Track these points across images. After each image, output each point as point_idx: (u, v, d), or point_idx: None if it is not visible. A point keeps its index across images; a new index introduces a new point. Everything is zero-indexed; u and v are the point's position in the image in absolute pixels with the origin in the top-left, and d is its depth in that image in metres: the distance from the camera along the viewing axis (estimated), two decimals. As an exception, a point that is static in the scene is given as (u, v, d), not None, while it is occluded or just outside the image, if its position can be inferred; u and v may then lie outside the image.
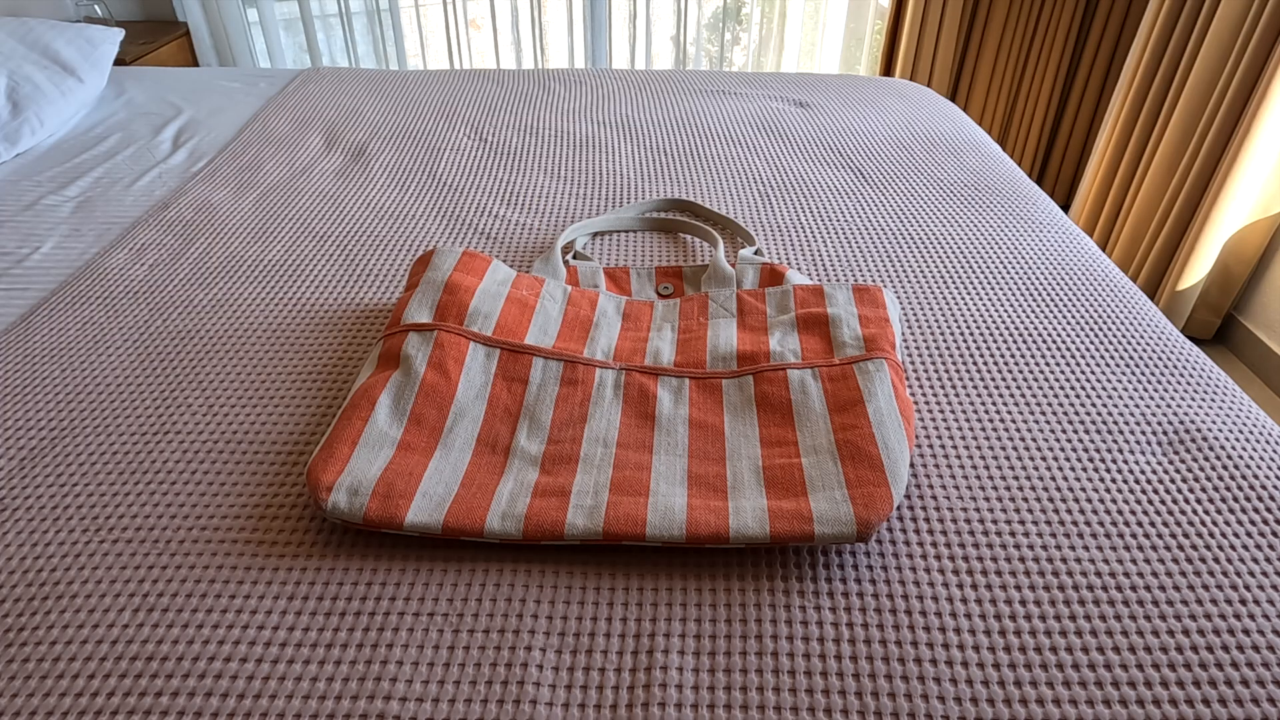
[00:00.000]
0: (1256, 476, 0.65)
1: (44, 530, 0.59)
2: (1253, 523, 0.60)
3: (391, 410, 0.65)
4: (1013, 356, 0.79)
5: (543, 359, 0.70)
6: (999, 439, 0.68)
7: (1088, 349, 0.80)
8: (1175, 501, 0.62)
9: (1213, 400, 0.73)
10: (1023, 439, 0.68)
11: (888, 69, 2.36)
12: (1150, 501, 0.62)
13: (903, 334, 0.82)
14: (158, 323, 0.83)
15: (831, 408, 0.66)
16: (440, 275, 0.78)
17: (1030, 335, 0.82)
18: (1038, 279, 0.92)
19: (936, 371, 0.77)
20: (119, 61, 1.91)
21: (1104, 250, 1.94)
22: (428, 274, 0.79)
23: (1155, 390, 0.74)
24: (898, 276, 0.93)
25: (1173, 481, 0.64)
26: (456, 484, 0.60)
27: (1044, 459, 0.66)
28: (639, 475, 0.61)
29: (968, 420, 0.70)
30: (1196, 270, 1.67)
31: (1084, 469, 0.65)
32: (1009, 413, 0.71)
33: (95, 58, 1.43)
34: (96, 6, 1.89)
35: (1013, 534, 0.59)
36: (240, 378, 0.75)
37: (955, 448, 0.67)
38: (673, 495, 0.59)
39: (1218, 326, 1.79)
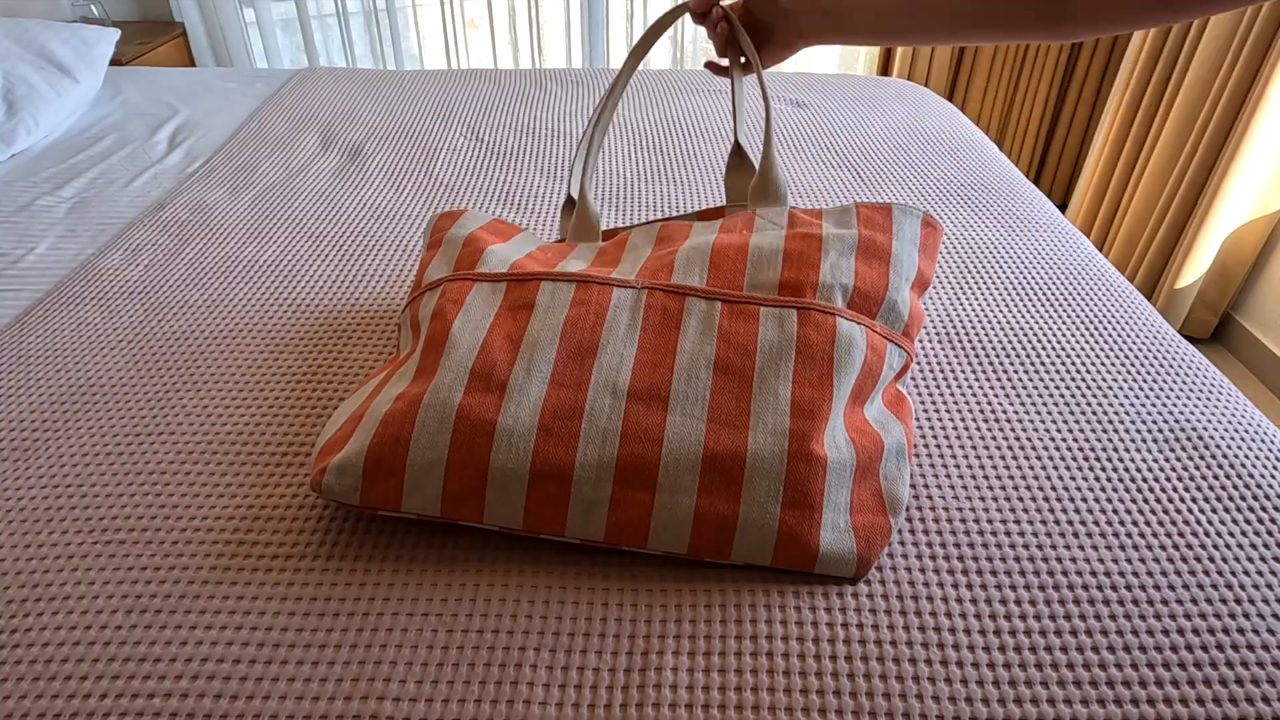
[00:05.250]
0: (1252, 476, 0.64)
1: (38, 531, 0.59)
2: (1248, 522, 0.60)
3: (398, 379, 0.59)
4: (1009, 356, 0.79)
5: (552, 282, 0.61)
6: (994, 438, 0.68)
7: (1084, 348, 0.80)
8: (1171, 501, 0.62)
9: (1209, 399, 0.73)
10: (1018, 438, 0.68)
11: (885, 68, 2.36)
12: (1146, 501, 0.62)
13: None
14: (153, 323, 0.82)
15: (854, 392, 0.59)
16: (463, 231, 0.70)
17: (1026, 335, 0.82)
18: (1034, 279, 0.92)
19: (933, 370, 0.77)
20: (115, 62, 1.90)
21: (1101, 250, 1.94)
22: (452, 230, 0.71)
23: (1151, 390, 0.74)
24: (894, 276, 0.92)
25: (1169, 480, 0.64)
26: (446, 446, 0.54)
27: (1039, 458, 0.66)
28: (647, 454, 0.54)
29: (964, 419, 0.70)
30: (1194, 269, 1.67)
31: (1080, 468, 0.65)
32: (1004, 412, 0.71)
33: (91, 58, 1.43)
34: (92, 6, 1.89)
35: (1008, 533, 0.59)
36: (235, 378, 0.75)
37: (951, 447, 0.67)
38: (680, 497, 0.53)
39: (1215, 326, 1.79)
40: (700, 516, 0.53)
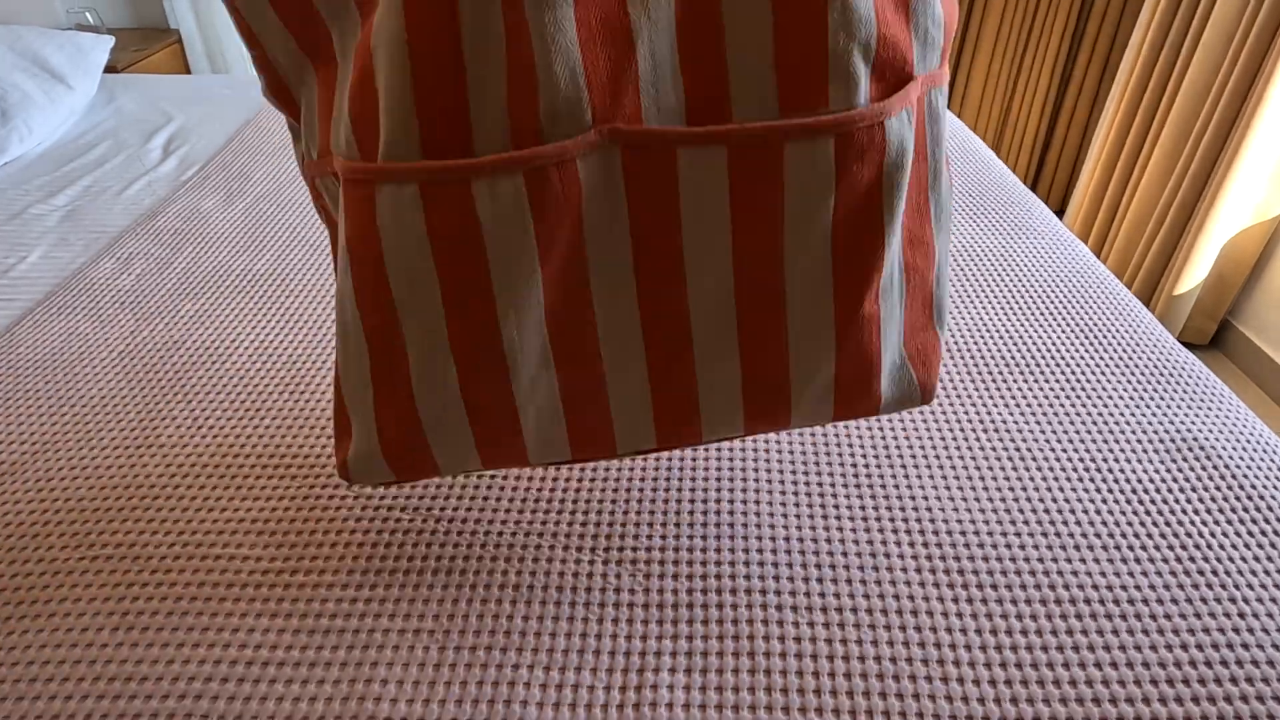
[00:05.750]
0: (1254, 485, 0.64)
1: (24, 547, 0.58)
2: (1250, 533, 0.60)
3: (350, 330, 0.45)
4: (1008, 366, 0.78)
5: (488, 180, 0.40)
6: (994, 449, 0.67)
7: (1083, 357, 0.79)
8: (1172, 511, 0.61)
9: (1208, 407, 0.72)
10: (1018, 448, 0.67)
11: (882, 74, 2.36)
12: (1147, 511, 0.61)
13: None
14: (144, 333, 0.82)
15: (911, 196, 0.47)
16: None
17: (1026, 344, 0.81)
18: (1033, 287, 0.91)
19: (931, 380, 0.76)
20: (111, 69, 1.90)
21: (1100, 255, 1.94)
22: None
23: (1151, 397, 0.74)
24: (892, 284, 0.92)
25: (1169, 490, 0.63)
26: (465, 423, 0.46)
27: (1039, 468, 0.65)
28: (680, 364, 0.46)
29: (964, 430, 0.70)
30: (1192, 276, 1.67)
31: (1080, 479, 0.64)
32: (1004, 422, 0.70)
33: (85, 65, 1.42)
34: (88, 14, 1.88)
35: (1008, 546, 0.58)
36: (226, 390, 0.74)
37: (951, 458, 0.66)
38: (726, 401, 0.47)
39: (1214, 332, 1.79)
40: (749, 400, 0.48)
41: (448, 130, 0.40)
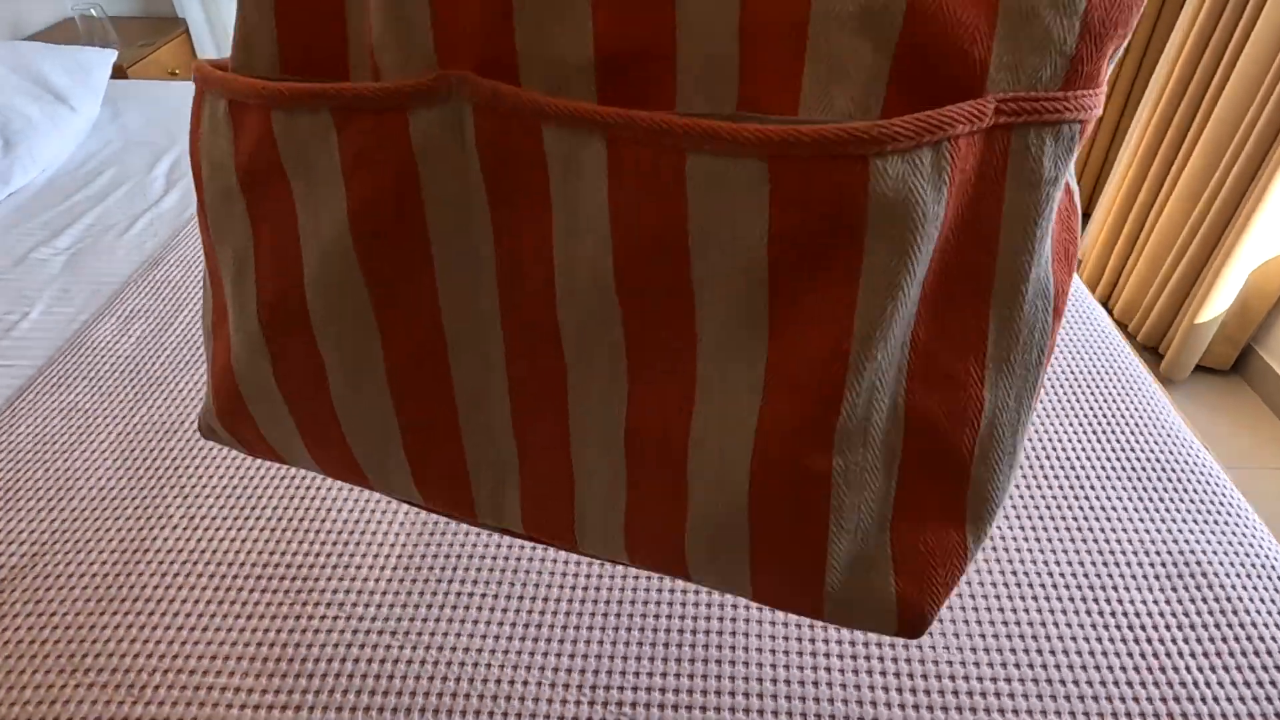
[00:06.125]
0: (1255, 625, 0.63)
1: (21, 670, 0.59)
2: (1246, 682, 0.59)
3: (205, 266, 0.40)
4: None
5: (286, 113, 0.31)
6: (991, 572, 0.66)
7: (1095, 460, 0.77)
8: (1170, 655, 0.61)
9: (1219, 529, 0.71)
10: (1015, 570, 0.66)
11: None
12: (1143, 653, 0.61)
13: None
14: (141, 411, 0.82)
15: (935, 286, 0.28)
16: None
17: (1039, 441, 0.79)
18: (1052, 369, 0.88)
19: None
20: (117, 67, 1.87)
21: (1120, 280, 1.89)
22: None
23: (1158, 509, 0.72)
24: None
25: (1168, 629, 0.62)
26: (276, 390, 0.36)
27: (1035, 598, 0.64)
28: (547, 425, 0.33)
29: (960, 545, 0.68)
30: (1217, 303, 1.63)
31: (1078, 610, 0.63)
32: (1004, 539, 0.69)
33: (89, 83, 1.40)
34: (93, 9, 1.85)
35: (998, 694, 0.58)
36: (219, 485, 0.74)
37: (945, 581, 0.66)
38: (607, 507, 0.34)
39: (1235, 358, 1.75)
40: (633, 523, 0.34)
41: (320, 39, 0.31)
